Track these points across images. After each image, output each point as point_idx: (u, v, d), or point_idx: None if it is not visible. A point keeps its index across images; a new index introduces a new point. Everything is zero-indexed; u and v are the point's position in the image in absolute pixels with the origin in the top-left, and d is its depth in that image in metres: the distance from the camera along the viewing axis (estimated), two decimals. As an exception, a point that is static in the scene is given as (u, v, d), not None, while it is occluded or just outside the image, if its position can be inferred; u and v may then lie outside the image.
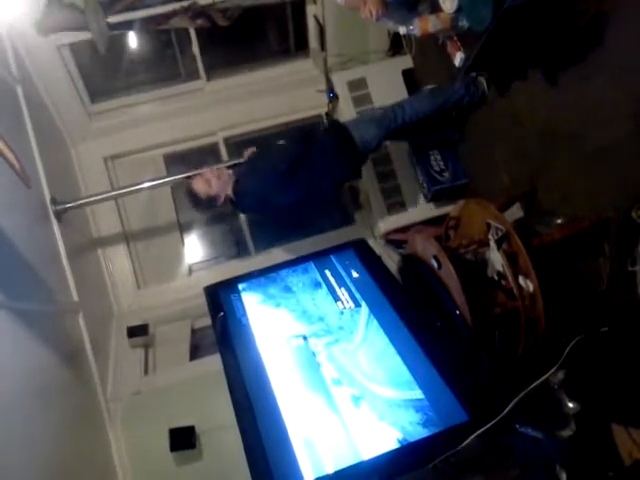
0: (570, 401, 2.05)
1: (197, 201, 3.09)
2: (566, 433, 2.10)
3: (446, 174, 3.76)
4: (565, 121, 2.72)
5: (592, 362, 2.22)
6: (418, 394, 2.33)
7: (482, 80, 3.31)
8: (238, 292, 2.97)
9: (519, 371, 2.39)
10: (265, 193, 3.08)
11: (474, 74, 3.29)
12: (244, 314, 2.83)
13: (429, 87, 3.63)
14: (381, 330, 2.63)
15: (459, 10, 2.45)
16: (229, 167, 3.34)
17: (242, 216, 4.27)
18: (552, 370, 2.06)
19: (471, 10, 2.38)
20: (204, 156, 4.31)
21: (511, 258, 2.43)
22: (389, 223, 3.90)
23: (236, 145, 4.35)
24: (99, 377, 3.16)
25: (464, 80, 3.28)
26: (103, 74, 4.18)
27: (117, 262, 4.01)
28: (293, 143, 3.19)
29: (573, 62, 2.55)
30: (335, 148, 3.13)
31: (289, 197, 3.12)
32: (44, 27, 3.45)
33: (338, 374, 2.49)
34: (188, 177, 3.29)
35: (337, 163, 3.13)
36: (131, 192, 3.54)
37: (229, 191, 3.09)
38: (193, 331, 3.89)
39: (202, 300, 2.94)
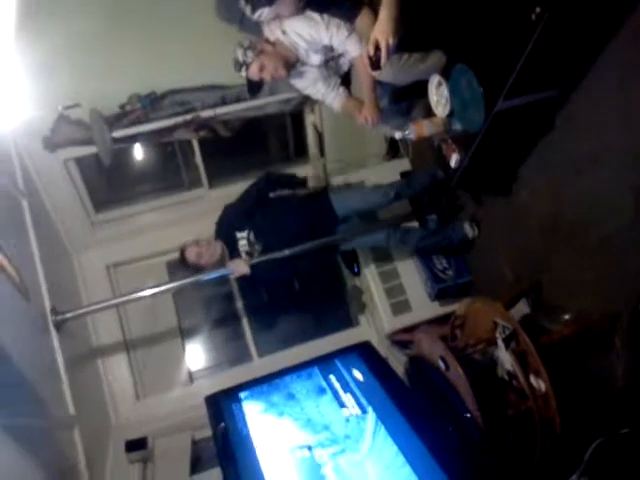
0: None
1: (185, 263, 3.41)
2: None
3: (449, 272, 3.75)
4: (566, 215, 2.74)
5: (614, 467, 2.09)
6: (431, 508, 2.19)
7: (466, 226, 3.59)
8: (240, 401, 2.87)
9: (537, 478, 2.25)
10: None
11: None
12: (246, 424, 2.72)
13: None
14: (389, 438, 2.51)
15: (452, 114, 2.53)
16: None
17: (244, 321, 4.24)
18: (573, 478, 1.93)
19: (463, 114, 2.46)
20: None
21: (520, 357, 2.36)
22: (394, 323, 3.84)
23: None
24: (95, 496, 3.00)
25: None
26: (107, 185, 4.29)
27: (117, 372, 3.93)
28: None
29: (567, 158, 2.61)
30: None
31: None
32: (52, 142, 3.57)
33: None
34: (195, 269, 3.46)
35: None
36: (133, 300, 3.50)
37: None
38: (194, 443, 3.72)
39: (203, 410, 2.85)
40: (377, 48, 2.27)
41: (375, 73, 2.49)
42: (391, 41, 2.23)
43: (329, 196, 3.56)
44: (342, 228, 3.52)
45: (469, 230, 3.57)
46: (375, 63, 2.32)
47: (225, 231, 3.49)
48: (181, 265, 3.46)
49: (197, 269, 3.38)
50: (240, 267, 3.31)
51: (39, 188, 3.71)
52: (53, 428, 2.88)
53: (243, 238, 3.39)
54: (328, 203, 3.51)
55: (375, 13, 2.38)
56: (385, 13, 2.22)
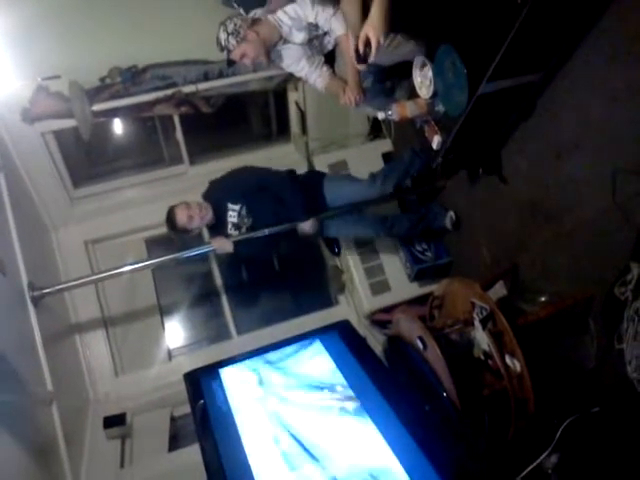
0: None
1: (172, 226, 3.26)
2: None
3: (429, 253, 3.79)
4: (545, 199, 2.78)
5: (585, 444, 2.15)
6: (408, 485, 2.22)
7: (448, 218, 3.65)
8: (219, 378, 2.88)
9: (511, 455, 2.30)
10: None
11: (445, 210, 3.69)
12: (225, 401, 2.73)
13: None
14: (367, 415, 2.54)
15: (435, 96, 2.54)
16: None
17: (224, 299, 4.24)
18: (545, 454, 1.98)
19: (447, 96, 2.47)
20: (186, 239, 4.29)
21: (497, 337, 2.40)
22: (373, 303, 3.87)
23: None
24: (72, 472, 2.99)
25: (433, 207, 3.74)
26: (86, 160, 4.24)
27: (95, 348, 3.90)
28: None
29: (548, 142, 2.63)
30: None
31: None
32: (30, 114, 3.51)
33: (323, 463, 2.40)
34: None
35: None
36: (111, 276, 3.47)
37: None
38: (173, 419, 3.74)
39: (182, 387, 2.85)
40: (367, 44, 2.25)
41: (360, 67, 2.47)
42: (382, 40, 2.22)
43: (323, 182, 3.52)
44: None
45: (449, 223, 3.64)
46: (362, 58, 2.30)
47: (217, 197, 3.36)
48: (169, 229, 3.30)
49: (185, 233, 3.29)
50: (223, 244, 3.29)
51: (16, 161, 3.64)
52: (31, 404, 2.86)
53: (234, 210, 3.33)
54: (320, 188, 3.48)
55: None
56: (377, 11, 2.19)
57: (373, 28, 2.18)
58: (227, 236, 3.32)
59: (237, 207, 3.34)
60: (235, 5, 2.98)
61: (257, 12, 2.76)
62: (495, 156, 2.99)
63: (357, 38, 2.26)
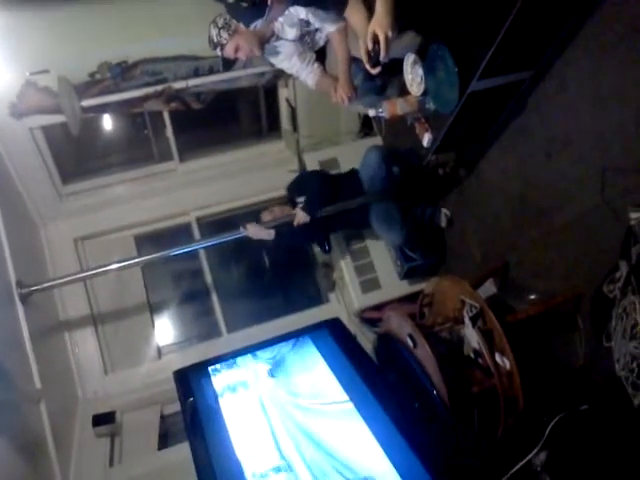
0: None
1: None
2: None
3: (419, 251, 3.78)
4: (534, 197, 2.79)
5: (574, 442, 2.16)
6: (397, 482, 2.23)
7: (443, 216, 3.65)
8: (209, 375, 2.88)
9: (500, 452, 2.31)
10: None
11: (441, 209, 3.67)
12: (215, 399, 2.73)
13: None
14: (357, 412, 2.55)
15: (426, 93, 2.53)
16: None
17: (214, 296, 4.25)
18: (534, 451, 1.99)
19: (438, 94, 2.47)
20: (176, 236, 4.29)
21: (486, 335, 2.41)
22: (363, 301, 3.87)
23: (208, 225, 4.35)
24: (61, 470, 2.98)
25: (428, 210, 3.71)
26: (76, 155, 4.20)
27: (84, 346, 3.87)
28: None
29: (538, 140, 2.64)
30: None
31: None
32: (19, 109, 3.48)
33: (313, 458, 2.40)
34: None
35: None
36: (100, 273, 3.46)
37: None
38: (163, 417, 3.73)
39: (172, 385, 2.85)
40: (375, 42, 2.19)
41: (374, 70, 2.37)
42: (390, 34, 2.14)
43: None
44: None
45: (444, 221, 3.64)
46: (374, 58, 2.19)
47: (291, 196, 3.55)
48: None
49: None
50: (259, 232, 3.34)
51: (4, 157, 3.60)
52: (19, 402, 2.85)
53: (301, 202, 3.42)
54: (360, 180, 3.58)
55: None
56: (382, 7, 2.14)
57: (380, 25, 2.12)
58: None
59: (302, 199, 3.43)
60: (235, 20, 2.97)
61: (258, 24, 2.74)
62: (482, 153, 2.99)
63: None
